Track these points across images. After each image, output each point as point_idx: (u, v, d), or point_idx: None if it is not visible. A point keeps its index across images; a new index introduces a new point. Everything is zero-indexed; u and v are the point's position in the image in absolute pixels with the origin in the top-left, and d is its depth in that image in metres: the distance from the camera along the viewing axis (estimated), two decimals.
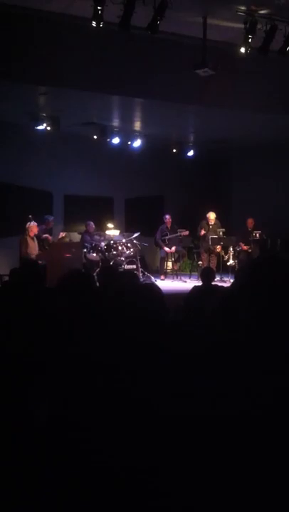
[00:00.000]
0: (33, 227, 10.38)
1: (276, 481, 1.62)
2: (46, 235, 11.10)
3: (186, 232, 12.78)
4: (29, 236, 10.31)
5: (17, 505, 1.66)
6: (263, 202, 13.57)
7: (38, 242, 10.72)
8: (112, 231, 12.49)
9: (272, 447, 1.62)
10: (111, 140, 12.53)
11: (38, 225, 10.69)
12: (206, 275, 6.93)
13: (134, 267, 11.63)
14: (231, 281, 10.75)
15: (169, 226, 13.02)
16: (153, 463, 1.66)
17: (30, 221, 10.43)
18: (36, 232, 10.51)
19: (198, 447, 1.67)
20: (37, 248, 10.52)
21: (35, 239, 10.49)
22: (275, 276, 1.93)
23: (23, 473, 1.70)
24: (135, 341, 1.95)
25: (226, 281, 10.94)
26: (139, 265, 11.78)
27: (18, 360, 2.01)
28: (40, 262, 9.43)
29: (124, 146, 13.03)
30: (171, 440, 1.68)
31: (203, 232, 12.28)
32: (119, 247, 11.68)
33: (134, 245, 11.87)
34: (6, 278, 9.70)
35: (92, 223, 12.24)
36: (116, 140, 12.58)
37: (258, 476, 1.63)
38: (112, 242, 11.79)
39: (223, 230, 12.32)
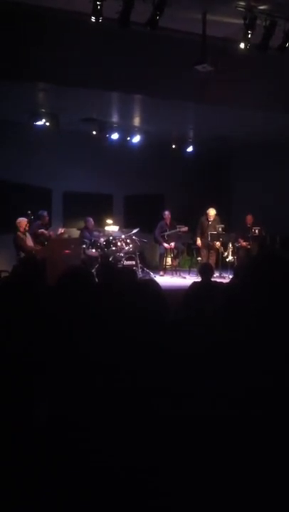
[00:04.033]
0: (22, 222, 10.34)
1: (276, 481, 1.63)
2: (42, 230, 11.07)
3: (186, 229, 12.78)
4: (20, 232, 10.30)
5: (17, 505, 1.66)
6: (263, 199, 13.58)
7: (35, 238, 10.73)
8: (111, 227, 12.49)
9: (272, 447, 1.63)
10: (110, 136, 12.52)
11: (34, 221, 10.71)
12: (204, 271, 6.93)
13: (134, 263, 11.63)
14: (230, 277, 10.77)
15: (168, 222, 13.03)
16: (153, 463, 1.66)
17: (30, 217, 10.44)
18: (26, 228, 10.46)
19: (198, 447, 1.67)
20: (31, 243, 10.53)
21: (27, 234, 10.47)
22: (275, 276, 1.93)
23: (23, 473, 1.70)
24: (135, 341, 1.95)
25: (225, 278, 10.95)
26: (138, 261, 11.78)
27: (18, 360, 2.01)
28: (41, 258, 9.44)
29: (123, 142, 13.02)
30: (171, 440, 1.68)
31: (199, 242, 12.39)
32: (119, 243, 11.68)
33: (133, 241, 11.87)
34: (6, 274, 9.74)
35: (91, 219, 12.25)
36: (115, 136, 12.57)
37: (257, 476, 1.63)
38: (111, 238, 11.78)
39: (223, 226, 12.33)
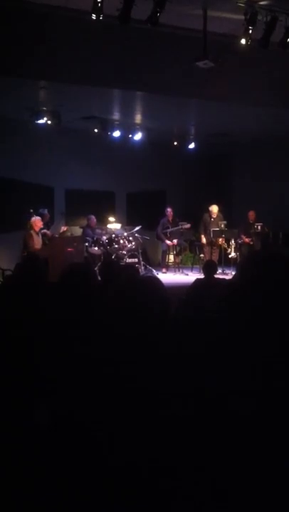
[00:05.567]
0: (37, 221, 10.36)
1: (278, 479, 1.63)
2: (44, 230, 11.09)
3: (188, 225, 12.77)
4: (34, 231, 10.30)
5: (18, 506, 1.66)
6: (265, 195, 13.56)
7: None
8: (114, 225, 12.50)
9: (272, 447, 1.63)
10: (112, 133, 12.52)
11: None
12: (208, 268, 6.94)
13: (136, 260, 11.64)
14: (233, 273, 10.76)
15: (170, 219, 13.02)
16: (153, 463, 1.66)
17: (32, 216, 10.45)
18: (41, 226, 10.49)
19: (200, 446, 1.67)
20: (41, 243, 10.54)
21: (39, 234, 10.48)
22: (276, 275, 1.92)
23: (24, 474, 1.71)
24: (135, 341, 1.95)
25: (227, 274, 10.94)
26: (140, 259, 11.79)
27: (18, 358, 2.01)
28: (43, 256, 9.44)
29: (125, 140, 13.01)
30: (171, 440, 1.68)
31: (203, 240, 12.33)
32: (121, 241, 11.70)
33: (135, 239, 11.88)
34: (9, 273, 9.74)
35: (93, 217, 12.26)
36: (116, 133, 12.57)
37: (259, 473, 1.63)
38: (113, 235, 11.79)
39: (225, 222, 12.33)
